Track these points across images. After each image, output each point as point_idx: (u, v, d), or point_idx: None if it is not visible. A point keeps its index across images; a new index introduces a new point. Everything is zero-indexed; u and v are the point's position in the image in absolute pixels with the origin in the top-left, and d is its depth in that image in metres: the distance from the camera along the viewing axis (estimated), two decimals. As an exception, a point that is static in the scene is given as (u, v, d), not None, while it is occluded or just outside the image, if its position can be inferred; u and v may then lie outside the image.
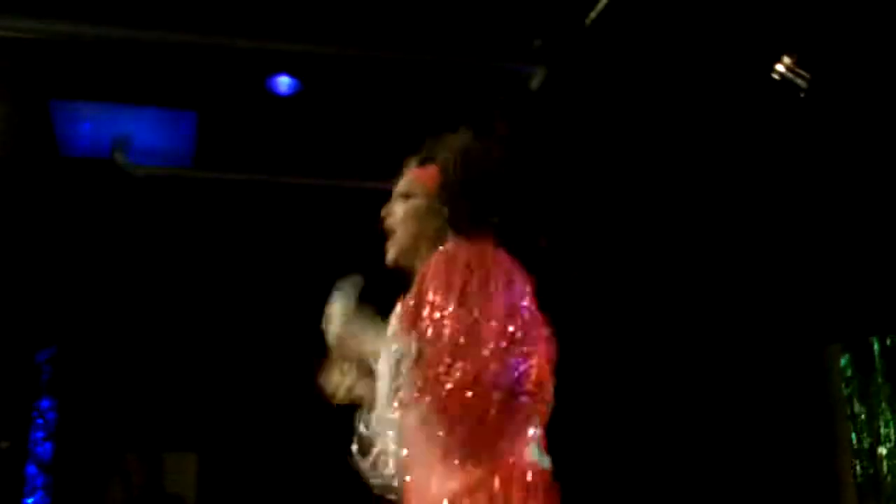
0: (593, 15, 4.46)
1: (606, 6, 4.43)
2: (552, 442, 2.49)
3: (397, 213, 2.73)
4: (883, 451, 6.13)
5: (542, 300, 2.51)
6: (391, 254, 2.72)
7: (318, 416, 6.37)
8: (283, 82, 5.24)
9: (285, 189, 5.88)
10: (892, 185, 5.58)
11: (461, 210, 2.61)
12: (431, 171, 2.73)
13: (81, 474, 6.74)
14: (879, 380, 6.16)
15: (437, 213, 2.65)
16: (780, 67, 4.98)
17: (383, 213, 2.76)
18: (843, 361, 6.27)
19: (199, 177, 5.89)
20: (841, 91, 5.10)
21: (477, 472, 2.30)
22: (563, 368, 2.56)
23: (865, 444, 6.10)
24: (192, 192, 6.01)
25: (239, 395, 6.63)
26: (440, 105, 5.30)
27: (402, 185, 2.77)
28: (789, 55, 4.95)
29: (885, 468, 6.12)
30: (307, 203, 6.00)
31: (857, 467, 6.14)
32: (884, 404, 6.16)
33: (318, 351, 6.16)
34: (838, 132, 5.45)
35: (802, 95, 5.02)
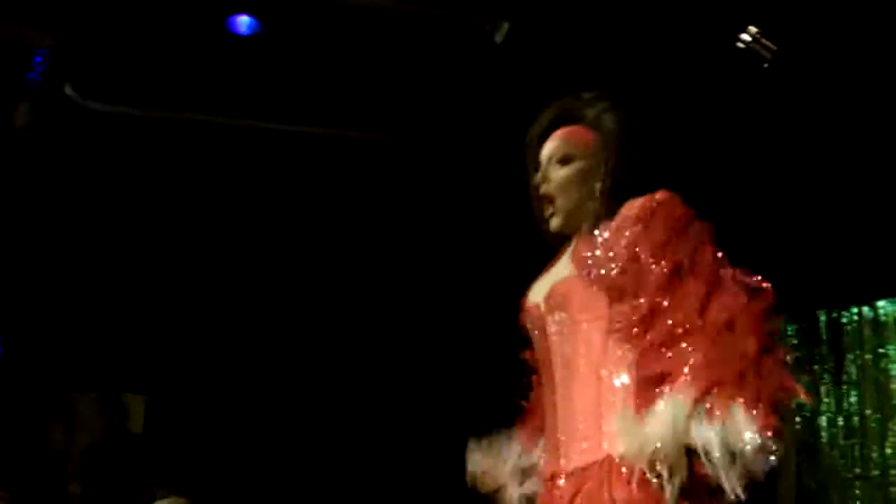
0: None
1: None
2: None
3: (556, 178, 2.67)
4: (823, 420, 6.24)
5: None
6: (556, 222, 2.67)
7: (263, 361, 6.42)
8: (244, 22, 5.18)
9: (241, 131, 5.83)
10: (843, 158, 5.63)
11: (627, 169, 2.61)
12: (583, 131, 2.69)
13: (24, 415, 6.66)
14: (825, 350, 6.25)
15: (598, 174, 2.63)
16: (744, 37, 4.99)
17: (538, 179, 2.69)
18: (788, 331, 6.34)
19: (154, 116, 5.81)
20: (792, 69, 5.13)
21: None
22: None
23: (807, 412, 6.19)
24: (147, 132, 5.93)
25: (187, 339, 6.59)
26: (403, 54, 5.27)
27: (555, 148, 2.69)
28: (754, 26, 4.96)
29: (824, 437, 6.22)
30: (261, 146, 5.95)
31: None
32: (826, 375, 6.26)
33: (265, 294, 6.09)
34: (790, 110, 5.49)
35: (766, 66, 5.04)
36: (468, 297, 6.35)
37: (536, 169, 2.72)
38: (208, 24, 5.17)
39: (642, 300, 2.38)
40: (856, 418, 6.19)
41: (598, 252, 2.49)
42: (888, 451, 6.11)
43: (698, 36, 5.00)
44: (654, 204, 2.47)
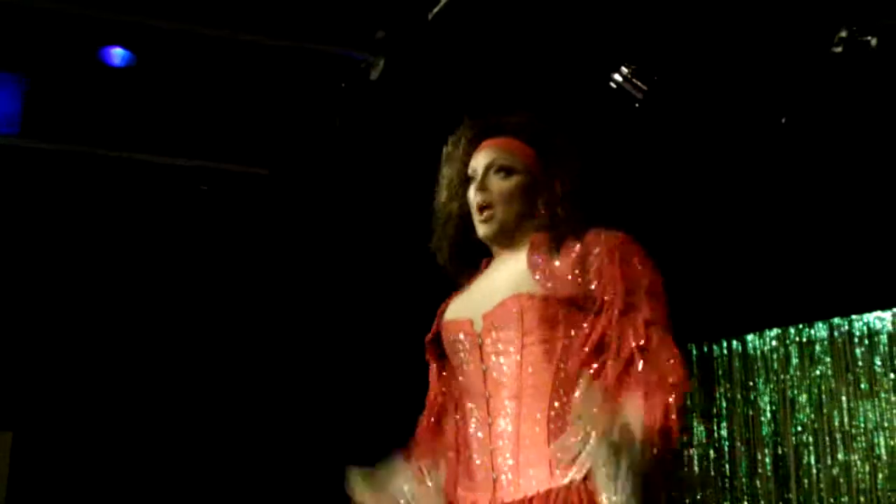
0: (436, 10, 4.47)
1: (450, 2, 4.45)
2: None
3: (498, 188, 2.56)
4: (693, 452, 6.36)
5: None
6: (489, 229, 2.57)
7: (136, 390, 6.29)
8: (118, 54, 5.11)
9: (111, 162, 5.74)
10: (714, 195, 5.78)
11: (573, 190, 2.55)
12: (522, 145, 2.61)
13: None
14: (695, 383, 6.37)
15: (542, 194, 2.56)
16: (617, 77, 5.09)
17: (477, 186, 2.57)
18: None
19: (25, 146, 5.69)
20: (676, 100, 5.25)
21: None
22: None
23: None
24: (19, 161, 5.80)
25: (55, 373, 6.43)
26: (280, 89, 5.27)
27: (494, 158, 2.59)
28: (627, 65, 5.07)
29: (695, 468, 6.34)
30: (133, 177, 5.87)
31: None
32: (697, 408, 6.38)
33: (135, 325, 5.96)
34: (662, 149, 5.62)
35: (637, 105, 5.15)
36: (343, 327, 6.32)
37: (465, 180, 2.64)
38: (81, 55, 5.10)
39: (598, 328, 2.34)
40: (726, 450, 6.34)
41: (557, 271, 2.41)
42: (757, 482, 6.26)
43: (572, 76, 5.10)
44: (621, 240, 2.42)
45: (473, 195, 2.59)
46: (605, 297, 2.34)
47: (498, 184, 2.56)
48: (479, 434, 2.46)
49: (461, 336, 2.52)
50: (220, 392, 6.34)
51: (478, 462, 2.45)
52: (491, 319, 2.45)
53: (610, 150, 5.44)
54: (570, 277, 2.38)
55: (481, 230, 2.58)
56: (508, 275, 2.50)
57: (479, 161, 2.60)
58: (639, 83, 5.06)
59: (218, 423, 6.35)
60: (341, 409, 6.32)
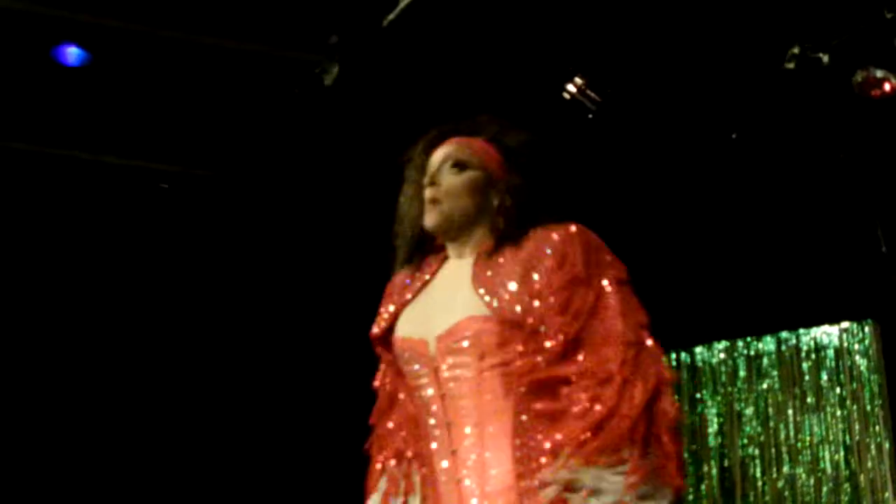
0: (391, 16, 4.48)
1: (405, 9, 4.46)
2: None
3: (448, 183, 2.47)
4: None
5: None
6: (432, 220, 2.46)
7: (93, 393, 6.22)
8: (72, 53, 5.08)
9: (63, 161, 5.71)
10: (663, 208, 5.82)
11: (533, 189, 2.47)
12: (481, 142, 2.52)
13: None
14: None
15: (496, 192, 2.47)
16: (570, 88, 5.13)
17: (426, 180, 2.48)
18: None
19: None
20: (629, 113, 5.29)
21: None
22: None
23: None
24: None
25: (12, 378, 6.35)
26: (234, 93, 5.26)
27: (449, 153, 2.50)
28: (581, 76, 5.11)
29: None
30: (84, 177, 5.84)
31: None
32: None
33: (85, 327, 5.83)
34: (624, 154, 5.66)
35: (591, 117, 5.19)
36: (290, 334, 6.29)
37: (421, 183, 2.54)
38: (35, 53, 5.06)
39: (551, 344, 2.24)
40: (672, 461, 6.37)
41: (509, 287, 2.31)
42: (703, 494, 6.30)
43: (526, 85, 5.12)
44: (571, 236, 2.34)
45: (425, 190, 2.50)
46: (555, 324, 2.26)
47: (449, 178, 2.47)
48: (444, 463, 2.38)
49: (417, 360, 2.43)
50: (175, 394, 6.28)
51: (444, 491, 2.38)
52: (446, 343, 2.36)
53: (563, 162, 5.46)
54: (518, 297, 2.30)
55: (426, 221, 2.48)
56: (460, 289, 2.41)
57: (436, 157, 2.53)
58: (592, 95, 5.09)
59: (189, 424, 6.29)
60: (298, 407, 6.29)
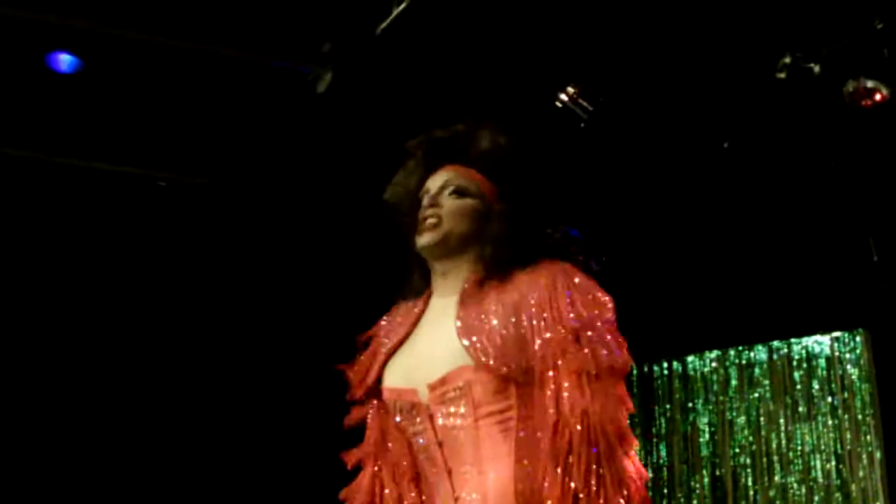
0: (384, 24, 4.49)
1: (398, 17, 4.47)
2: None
3: (450, 205, 2.50)
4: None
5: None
6: (430, 239, 2.48)
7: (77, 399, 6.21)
8: (65, 60, 5.08)
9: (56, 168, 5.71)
10: (655, 217, 5.83)
11: (525, 224, 2.49)
12: (479, 176, 2.56)
13: None
14: (635, 402, 6.40)
15: (491, 222, 2.50)
16: (563, 97, 5.13)
17: (428, 202, 2.52)
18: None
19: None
20: (621, 122, 5.30)
21: None
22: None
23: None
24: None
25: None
26: (227, 100, 5.26)
27: (450, 178, 2.55)
28: (573, 85, 5.11)
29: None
30: (77, 184, 5.83)
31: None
32: (636, 428, 6.41)
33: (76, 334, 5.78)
34: (617, 162, 5.67)
35: (583, 126, 5.20)
36: (286, 339, 6.28)
37: (417, 187, 2.59)
38: (27, 60, 5.06)
39: (548, 394, 2.23)
40: (664, 470, 6.37)
41: (497, 337, 2.30)
42: (694, 502, 6.30)
43: (519, 93, 5.13)
44: (558, 281, 2.33)
45: (423, 211, 2.53)
46: (544, 376, 2.26)
47: (451, 201, 2.51)
48: None
49: (410, 408, 2.43)
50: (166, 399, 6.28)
51: None
52: (439, 393, 2.37)
53: (554, 170, 5.47)
54: (505, 348, 2.29)
55: (424, 238, 2.49)
56: (446, 336, 2.40)
57: (436, 181, 2.56)
58: (584, 104, 5.10)
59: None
60: (293, 412, 6.27)
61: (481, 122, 2.68)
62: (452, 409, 2.35)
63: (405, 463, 2.49)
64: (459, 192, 2.52)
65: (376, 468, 2.57)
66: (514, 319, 2.33)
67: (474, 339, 2.34)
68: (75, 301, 6.09)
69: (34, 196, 5.90)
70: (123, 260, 6.12)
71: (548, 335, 2.28)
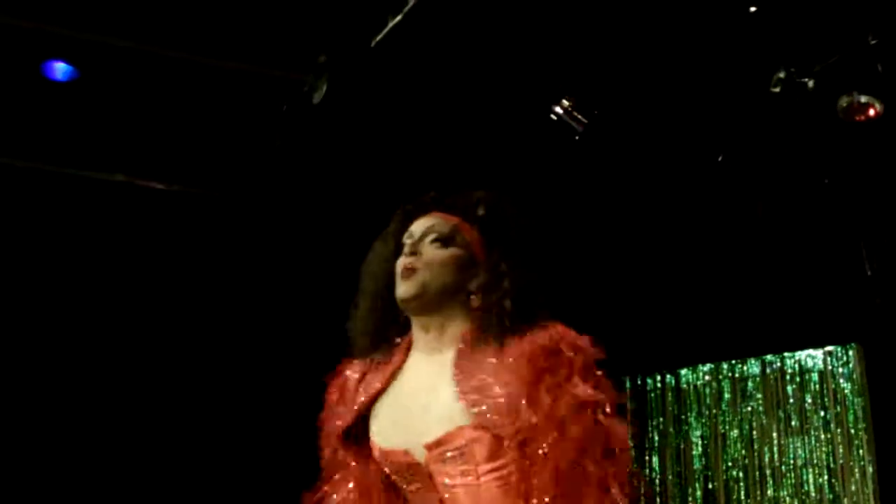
0: (380, 36, 4.51)
1: (393, 29, 4.48)
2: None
3: (429, 254, 2.38)
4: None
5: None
6: (406, 291, 2.36)
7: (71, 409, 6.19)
8: (60, 69, 5.08)
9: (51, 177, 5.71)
10: (650, 233, 5.84)
11: (517, 281, 2.35)
12: (465, 225, 2.44)
13: None
14: (629, 415, 6.41)
15: (476, 274, 2.39)
16: (557, 109, 5.14)
17: (406, 249, 2.40)
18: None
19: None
20: (615, 135, 5.32)
21: None
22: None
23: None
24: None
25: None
26: (222, 110, 5.27)
27: (434, 225, 2.43)
28: (568, 98, 5.13)
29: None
30: (72, 192, 5.83)
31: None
32: (630, 440, 6.40)
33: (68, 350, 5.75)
34: (611, 175, 5.68)
35: (577, 138, 5.21)
36: (281, 348, 6.28)
37: (398, 245, 2.46)
38: (23, 69, 5.07)
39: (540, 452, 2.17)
40: (657, 483, 6.37)
41: (497, 397, 2.23)
42: (687, 515, 6.31)
43: (513, 106, 5.14)
44: (563, 348, 2.23)
45: (402, 259, 2.41)
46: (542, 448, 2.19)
47: (431, 251, 2.40)
48: None
49: (405, 469, 2.38)
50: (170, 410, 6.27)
51: None
52: (437, 453, 2.30)
53: (548, 182, 5.49)
54: (504, 408, 2.22)
55: (400, 289, 2.38)
56: (442, 393, 2.32)
57: (417, 227, 2.46)
58: (579, 116, 5.11)
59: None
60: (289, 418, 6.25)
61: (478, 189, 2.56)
62: (452, 469, 2.29)
63: None
64: (443, 241, 2.41)
65: None
66: (512, 382, 2.23)
67: (474, 398, 2.25)
68: (71, 309, 6.09)
69: (29, 204, 5.90)
70: (118, 269, 6.12)
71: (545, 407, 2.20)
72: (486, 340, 2.32)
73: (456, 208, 2.49)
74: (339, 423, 2.49)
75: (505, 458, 2.23)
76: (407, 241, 2.43)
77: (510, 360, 2.25)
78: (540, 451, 2.16)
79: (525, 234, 2.45)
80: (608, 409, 2.22)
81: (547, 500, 2.13)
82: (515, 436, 2.20)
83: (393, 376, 2.45)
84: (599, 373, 2.25)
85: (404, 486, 2.41)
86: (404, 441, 2.35)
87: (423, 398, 2.35)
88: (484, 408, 2.23)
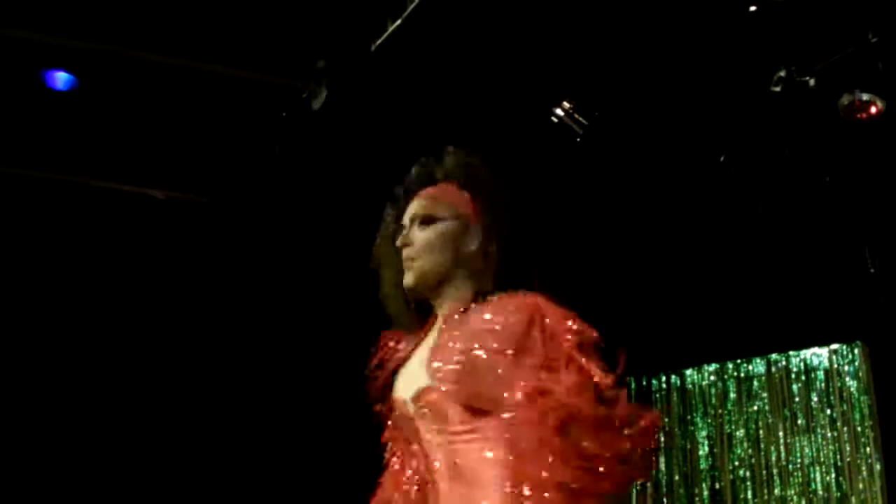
0: (379, 41, 4.50)
1: (393, 34, 4.48)
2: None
3: (418, 240, 2.43)
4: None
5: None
6: (408, 279, 2.42)
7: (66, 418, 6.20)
8: (61, 78, 5.09)
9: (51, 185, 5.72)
10: (655, 232, 5.83)
11: (513, 232, 2.41)
12: (452, 190, 2.48)
13: None
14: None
15: (472, 237, 2.43)
16: (558, 111, 5.14)
17: (399, 243, 2.45)
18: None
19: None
20: (616, 137, 5.31)
21: None
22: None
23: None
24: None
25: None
26: (221, 116, 5.27)
27: (417, 208, 2.46)
28: (568, 100, 5.12)
29: (633, 502, 6.35)
30: (73, 201, 5.84)
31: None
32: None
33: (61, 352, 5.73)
34: (613, 176, 5.67)
35: (578, 140, 5.20)
36: (280, 355, 6.28)
37: (396, 229, 2.51)
38: (24, 78, 5.07)
39: (505, 417, 2.16)
40: (663, 484, 6.37)
41: (454, 362, 2.24)
42: (694, 516, 6.30)
43: (514, 109, 5.14)
44: (530, 314, 2.22)
45: (403, 252, 2.46)
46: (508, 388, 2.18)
47: (420, 236, 2.44)
48: None
49: (403, 418, 2.42)
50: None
51: None
52: (417, 408, 2.35)
53: (550, 184, 5.48)
54: (459, 373, 2.23)
55: (405, 281, 2.45)
56: (424, 355, 2.38)
57: (408, 215, 2.49)
58: (580, 118, 5.11)
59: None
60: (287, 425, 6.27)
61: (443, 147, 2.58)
62: (427, 425, 2.33)
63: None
64: (426, 221, 2.44)
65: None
66: (476, 346, 2.24)
67: (437, 364, 2.28)
68: (71, 317, 6.10)
69: (29, 213, 5.91)
70: (119, 277, 6.13)
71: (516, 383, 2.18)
72: (475, 303, 2.36)
73: (443, 176, 2.52)
74: (377, 382, 2.53)
75: (479, 423, 2.22)
76: (402, 234, 2.48)
77: (485, 325, 2.26)
78: (513, 423, 2.15)
79: (504, 188, 2.49)
80: (600, 381, 2.18)
81: (534, 484, 2.10)
82: (470, 401, 2.21)
83: (418, 344, 2.50)
84: (572, 339, 2.20)
85: (410, 439, 2.43)
86: (404, 392, 2.40)
87: (420, 358, 2.41)
88: (440, 374, 2.26)
